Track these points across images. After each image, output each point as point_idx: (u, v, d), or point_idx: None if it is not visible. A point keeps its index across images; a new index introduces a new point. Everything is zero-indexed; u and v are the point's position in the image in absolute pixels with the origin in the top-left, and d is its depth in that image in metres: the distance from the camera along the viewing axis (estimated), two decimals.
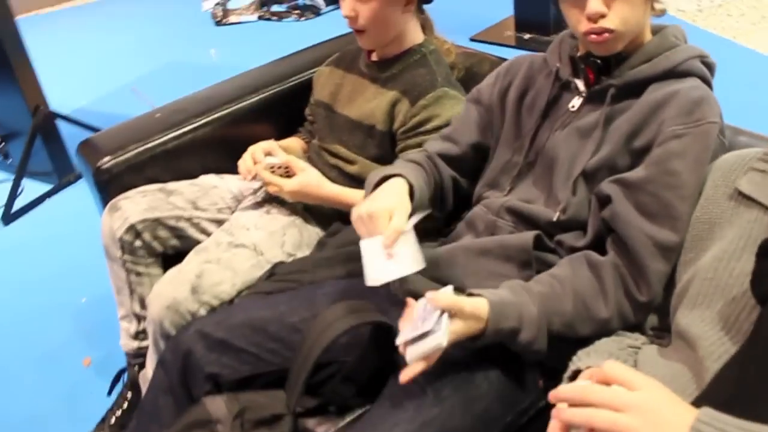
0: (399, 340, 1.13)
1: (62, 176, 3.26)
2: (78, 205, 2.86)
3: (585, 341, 1.20)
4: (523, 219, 1.34)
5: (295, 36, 4.74)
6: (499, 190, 1.42)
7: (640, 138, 1.25)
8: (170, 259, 1.80)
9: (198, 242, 1.78)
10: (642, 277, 1.20)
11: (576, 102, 1.35)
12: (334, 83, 1.87)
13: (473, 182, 1.50)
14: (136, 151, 1.86)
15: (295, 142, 1.99)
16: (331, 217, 1.76)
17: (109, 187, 1.85)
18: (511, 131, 1.44)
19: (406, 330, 1.13)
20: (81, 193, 2.59)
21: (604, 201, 1.26)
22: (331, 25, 4.71)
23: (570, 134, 1.34)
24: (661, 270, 1.19)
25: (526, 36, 4.06)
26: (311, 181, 1.71)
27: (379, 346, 1.29)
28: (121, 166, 1.85)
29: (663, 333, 1.26)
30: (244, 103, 1.99)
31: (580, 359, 1.11)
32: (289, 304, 1.43)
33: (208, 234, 1.79)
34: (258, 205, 1.80)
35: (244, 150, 1.81)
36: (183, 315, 1.53)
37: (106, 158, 1.83)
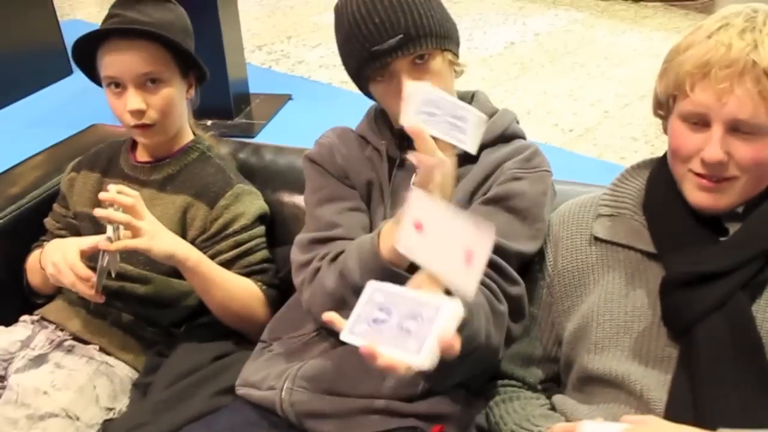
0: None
1: None
2: None
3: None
4: None
5: None
6: None
7: (481, 191, 1.29)
8: None
9: None
10: (505, 277, 1.21)
11: (415, 179, 1.32)
12: (90, 190, 1.59)
13: None
14: None
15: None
16: (138, 352, 1.49)
17: None
18: (374, 217, 1.36)
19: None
20: None
21: None
22: None
23: None
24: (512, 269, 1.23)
25: (207, 122, 3.80)
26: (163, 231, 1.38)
27: None
28: None
29: (551, 385, 1.29)
30: None
31: (538, 428, 1.09)
32: None
33: None
34: (39, 360, 1.44)
35: None
36: None
37: None
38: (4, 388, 1.42)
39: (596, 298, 1.19)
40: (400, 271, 1.09)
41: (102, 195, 1.31)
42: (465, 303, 0.96)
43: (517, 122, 1.38)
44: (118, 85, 1.45)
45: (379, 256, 1.11)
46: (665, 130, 1.15)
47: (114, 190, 1.31)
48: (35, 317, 1.57)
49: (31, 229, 1.67)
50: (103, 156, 1.64)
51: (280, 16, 5.94)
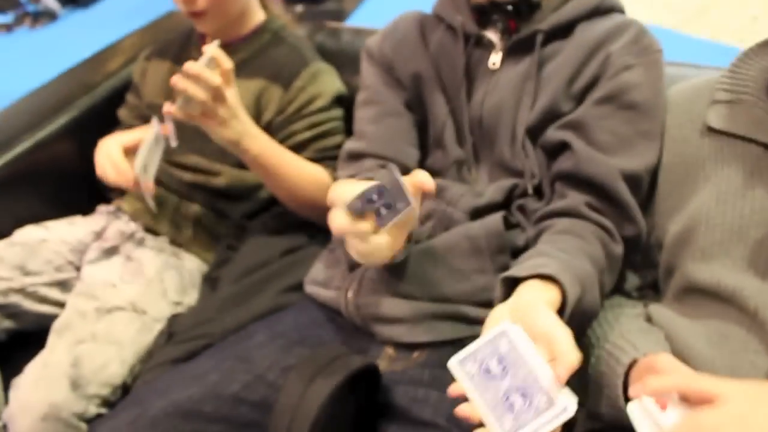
0: None
1: None
2: None
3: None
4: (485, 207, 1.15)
5: (40, 46, 4.01)
6: (447, 179, 1.21)
7: (581, 78, 1.13)
8: (3, 347, 1.39)
9: (39, 317, 1.39)
10: (622, 213, 1.08)
11: (496, 58, 1.19)
12: (163, 79, 1.51)
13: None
14: None
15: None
16: (209, 245, 1.45)
17: None
18: (431, 113, 1.23)
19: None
20: None
21: (555, 149, 1.14)
22: (73, 29, 4.15)
23: (500, 95, 1.17)
24: (636, 203, 1.09)
25: (298, 8, 3.59)
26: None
27: (369, 392, 1.05)
28: None
29: (647, 292, 1.16)
30: (48, 128, 1.55)
31: (635, 348, 0.96)
32: (218, 370, 1.13)
33: (51, 303, 1.40)
34: (111, 251, 1.42)
35: (64, 185, 1.43)
36: (69, 422, 1.16)
37: None
38: (78, 278, 1.41)
39: (706, 198, 1.03)
40: None
41: (188, 67, 1.16)
42: (576, 278, 0.87)
43: None
44: None
45: None
46: None
47: (204, 61, 1.17)
48: (111, 207, 1.55)
49: (106, 119, 1.62)
50: (174, 44, 1.56)
51: None
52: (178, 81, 1.15)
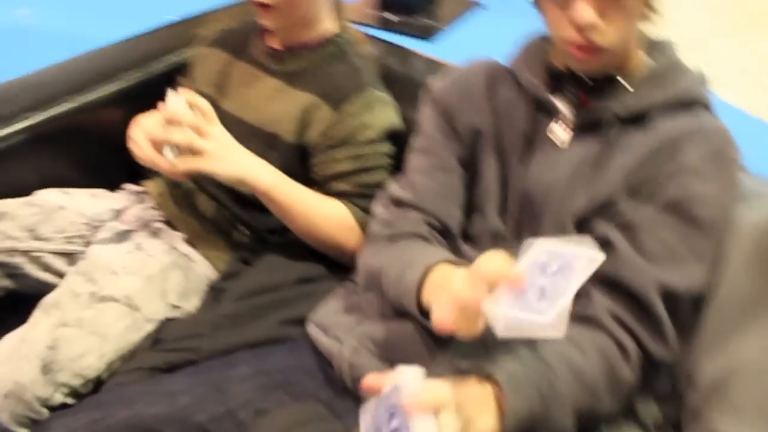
0: None
1: None
2: None
3: None
4: None
5: None
6: (481, 249, 1.11)
7: (648, 177, 1.02)
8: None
9: (39, 283, 1.34)
10: (653, 328, 0.96)
11: (561, 133, 1.08)
12: (217, 70, 1.45)
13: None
14: None
15: None
16: (224, 252, 1.37)
17: None
18: (480, 173, 1.14)
19: None
20: None
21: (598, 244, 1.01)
22: None
23: (556, 175, 1.07)
24: (671, 323, 0.97)
25: (390, 16, 3.51)
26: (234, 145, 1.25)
27: None
28: None
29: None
30: (97, 93, 1.50)
31: None
32: (190, 394, 1.06)
33: (53, 272, 1.35)
34: (123, 236, 1.36)
35: (96, 155, 1.38)
36: (29, 404, 1.11)
37: None
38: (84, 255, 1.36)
39: (752, 344, 0.92)
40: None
41: (163, 111, 1.19)
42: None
43: (704, 84, 1.08)
44: None
45: (415, 302, 0.96)
46: None
47: (177, 103, 1.18)
48: (138, 188, 1.49)
49: (156, 96, 1.57)
50: (236, 36, 1.48)
51: None
52: (156, 135, 1.19)
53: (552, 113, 1.08)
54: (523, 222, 1.09)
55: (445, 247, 1.10)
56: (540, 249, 0.84)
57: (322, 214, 1.28)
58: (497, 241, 1.10)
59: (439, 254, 1.01)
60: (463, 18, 3.62)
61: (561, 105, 1.08)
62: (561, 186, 1.05)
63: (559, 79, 1.08)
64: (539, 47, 1.13)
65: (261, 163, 1.26)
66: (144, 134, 1.20)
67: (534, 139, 1.09)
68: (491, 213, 1.11)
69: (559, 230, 1.05)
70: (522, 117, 1.10)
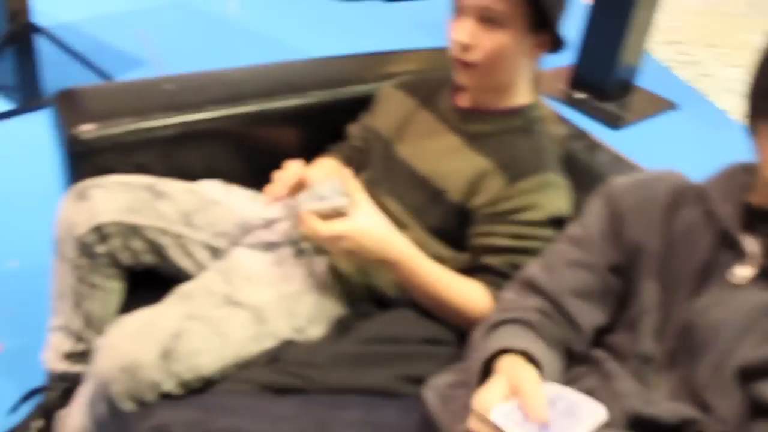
0: None
1: (26, 97, 2.76)
2: (36, 136, 2.30)
3: None
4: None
5: (354, 15, 3.83)
6: (621, 364, 1.03)
7: None
8: (137, 276, 1.40)
9: (179, 268, 1.37)
10: None
11: (744, 273, 0.96)
12: (401, 115, 1.44)
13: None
14: (129, 127, 1.43)
15: (332, 165, 1.52)
16: (362, 291, 1.34)
17: (84, 163, 1.42)
18: (635, 291, 1.05)
19: None
20: (43, 123, 2.06)
21: (761, 409, 0.90)
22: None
23: (728, 315, 0.95)
24: None
25: (580, 95, 3.45)
26: (372, 230, 1.19)
27: None
28: (104, 142, 1.42)
29: None
30: (284, 103, 1.55)
31: None
32: (295, 423, 1.03)
33: (194, 261, 1.38)
34: (269, 247, 1.37)
35: (264, 159, 1.40)
36: (142, 385, 1.11)
37: (89, 126, 1.40)
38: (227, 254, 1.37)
39: None
40: None
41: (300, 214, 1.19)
42: None
43: None
44: (459, 10, 1.26)
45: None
46: None
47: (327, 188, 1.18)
48: (294, 203, 1.50)
49: (334, 119, 1.59)
50: (428, 85, 1.47)
51: (713, 19, 5.19)
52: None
53: (736, 251, 0.97)
54: (678, 353, 0.98)
55: (566, 329, 1.04)
56: (550, 387, 0.87)
57: (453, 292, 1.26)
58: (645, 363, 1.01)
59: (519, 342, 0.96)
60: (654, 117, 3.51)
61: (750, 243, 0.97)
62: (732, 328, 0.94)
63: (752, 217, 0.98)
64: (739, 178, 1.02)
65: (394, 240, 1.22)
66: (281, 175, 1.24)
67: (710, 272, 0.99)
68: (645, 337, 1.01)
69: (715, 373, 0.94)
70: (703, 247, 1.00)
